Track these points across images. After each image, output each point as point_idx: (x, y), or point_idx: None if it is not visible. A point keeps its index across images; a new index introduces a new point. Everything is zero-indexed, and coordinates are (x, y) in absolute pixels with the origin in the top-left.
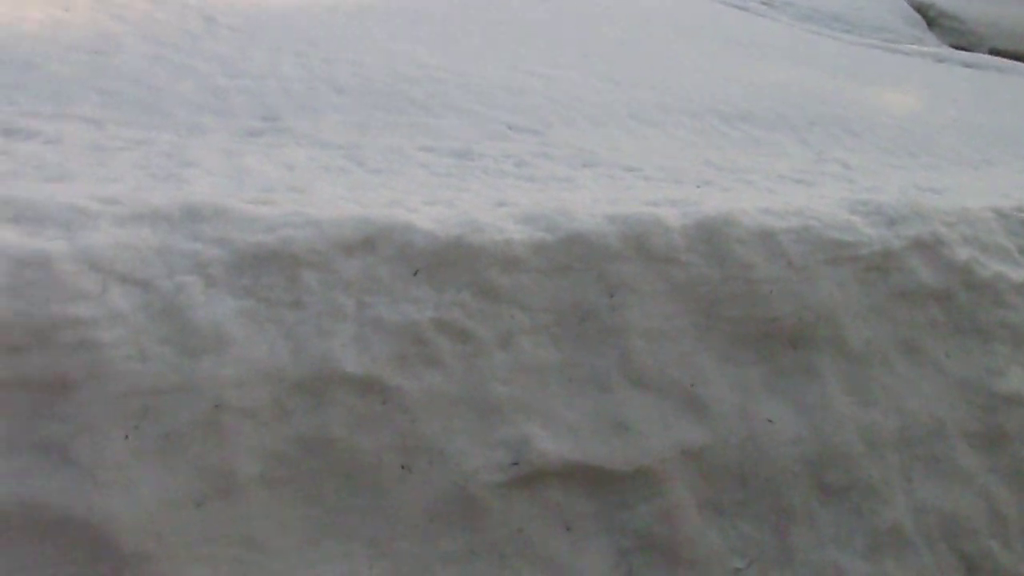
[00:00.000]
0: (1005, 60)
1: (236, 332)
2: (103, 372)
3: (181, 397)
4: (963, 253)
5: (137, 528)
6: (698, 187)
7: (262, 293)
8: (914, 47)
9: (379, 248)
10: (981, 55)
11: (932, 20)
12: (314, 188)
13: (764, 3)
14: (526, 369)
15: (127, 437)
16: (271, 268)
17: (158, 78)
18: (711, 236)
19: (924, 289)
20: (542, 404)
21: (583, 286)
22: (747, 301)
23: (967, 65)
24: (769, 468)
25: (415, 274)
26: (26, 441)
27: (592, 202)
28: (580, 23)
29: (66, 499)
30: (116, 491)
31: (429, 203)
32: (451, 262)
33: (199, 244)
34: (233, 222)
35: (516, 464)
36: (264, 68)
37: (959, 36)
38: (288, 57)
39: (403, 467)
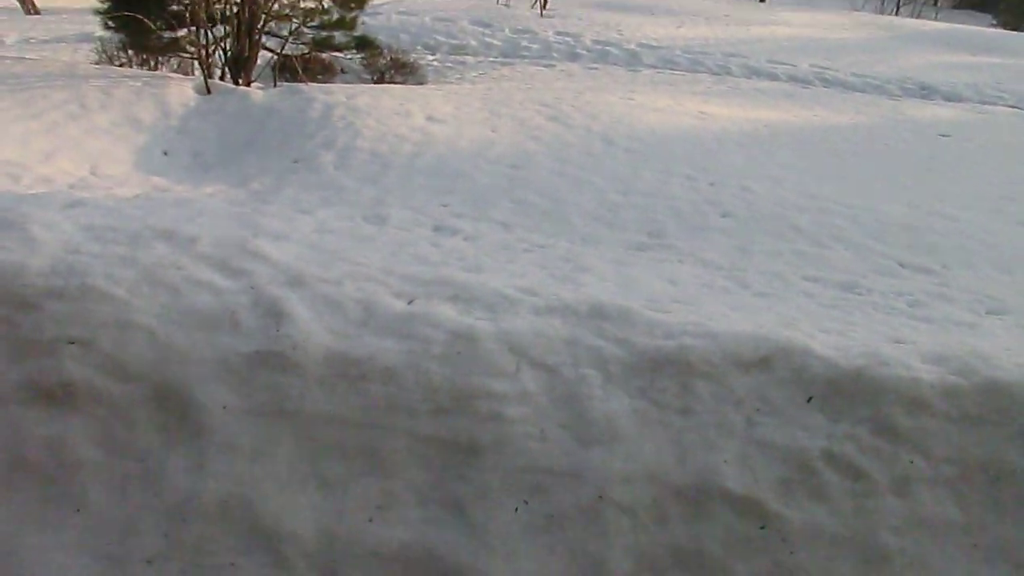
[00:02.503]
0: None
1: (627, 429)
2: (507, 445)
3: (570, 482)
4: None
5: None
6: None
7: (655, 396)
8: None
9: (775, 368)
10: None
11: None
12: (698, 304)
13: None
14: (922, 523)
15: (517, 510)
16: (666, 373)
17: (561, 191)
18: None
19: None
20: (939, 567)
21: (999, 442)
22: None
23: None
24: None
25: (809, 400)
26: (436, 495)
27: (1005, 352)
28: (984, 161)
29: (458, 555)
30: (501, 558)
31: (822, 331)
32: (849, 393)
33: (602, 340)
34: (635, 324)
35: None
36: (654, 187)
37: None
38: (677, 179)
39: None
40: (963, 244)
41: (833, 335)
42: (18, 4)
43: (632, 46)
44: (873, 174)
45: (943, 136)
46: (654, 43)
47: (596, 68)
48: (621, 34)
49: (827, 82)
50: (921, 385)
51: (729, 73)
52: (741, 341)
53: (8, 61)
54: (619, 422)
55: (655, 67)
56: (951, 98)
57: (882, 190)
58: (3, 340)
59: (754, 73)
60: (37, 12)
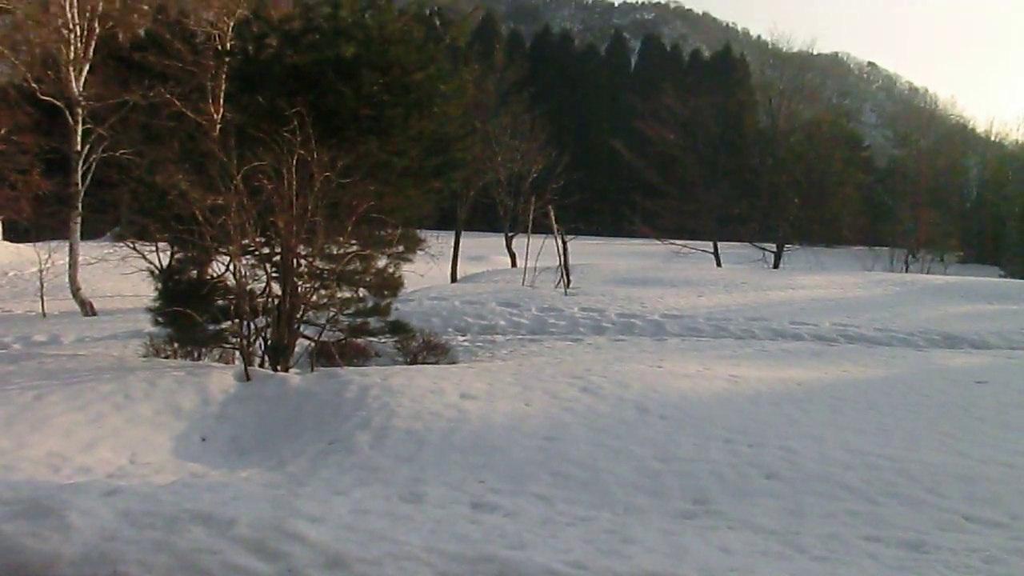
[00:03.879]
0: None
1: None
2: None
3: None
4: None
5: None
6: None
7: None
8: None
9: None
10: None
11: None
12: (755, 572)
13: None
14: None
15: None
16: None
17: (599, 461)
18: None
19: None
20: None
21: None
22: None
23: None
24: None
25: None
26: None
27: None
28: None
29: None
30: None
31: None
32: None
33: None
34: None
35: None
36: (693, 453)
37: None
38: (716, 443)
39: None
40: None
41: None
42: (77, 307)
43: (656, 317)
44: (915, 425)
45: (980, 383)
46: (677, 312)
47: (623, 340)
48: (644, 306)
49: (851, 338)
50: None
51: (753, 336)
52: None
53: (63, 358)
54: None
55: (680, 335)
56: (979, 346)
57: (928, 441)
58: None
59: (778, 335)
60: (94, 313)
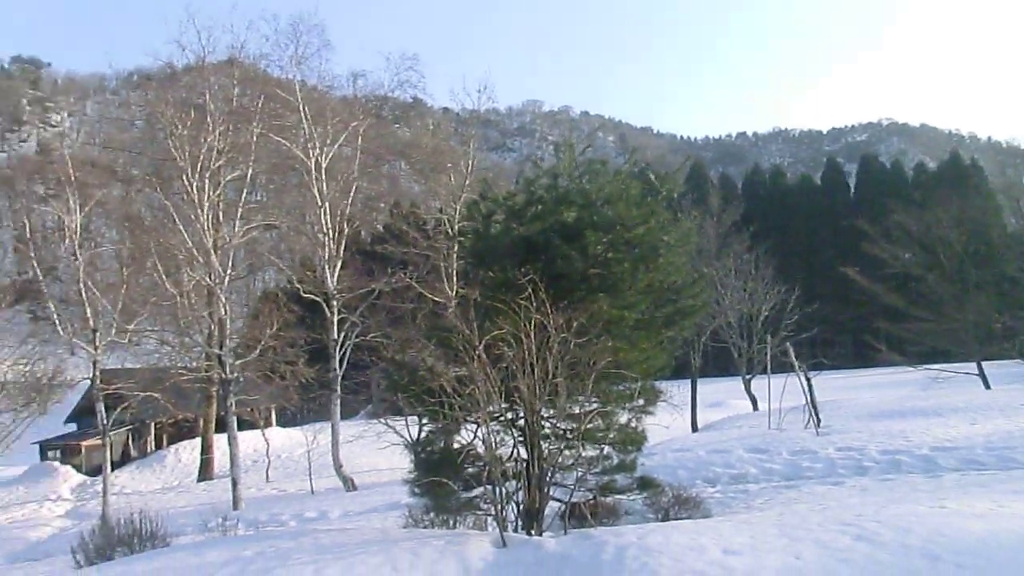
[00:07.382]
0: None
1: None
2: None
3: None
4: None
5: None
6: None
7: None
8: None
9: None
10: None
11: None
12: None
13: None
14: None
15: None
16: None
17: None
18: None
19: None
20: None
21: None
22: None
23: None
24: None
25: None
26: None
27: None
28: None
29: None
30: None
31: None
32: None
33: None
34: None
35: None
36: None
37: None
38: None
39: None
40: None
41: None
42: (341, 483)
43: (925, 451)
44: None
45: None
46: (949, 444)
47: (890, 478)
48: (909, 440)
49: None
50: None
51: None
52: None
53: (334, 532)
54: None
55: (958, 469)
56: None
57: None
58: None
59: None
60: (355, 488)
